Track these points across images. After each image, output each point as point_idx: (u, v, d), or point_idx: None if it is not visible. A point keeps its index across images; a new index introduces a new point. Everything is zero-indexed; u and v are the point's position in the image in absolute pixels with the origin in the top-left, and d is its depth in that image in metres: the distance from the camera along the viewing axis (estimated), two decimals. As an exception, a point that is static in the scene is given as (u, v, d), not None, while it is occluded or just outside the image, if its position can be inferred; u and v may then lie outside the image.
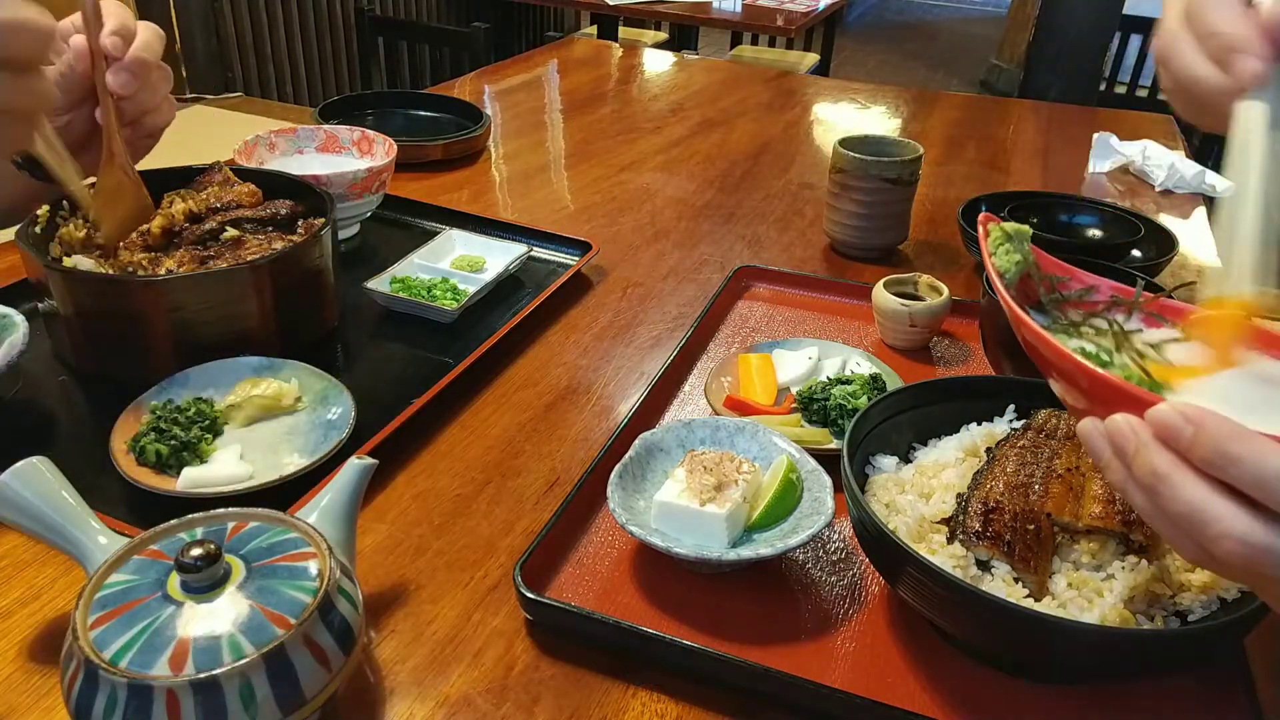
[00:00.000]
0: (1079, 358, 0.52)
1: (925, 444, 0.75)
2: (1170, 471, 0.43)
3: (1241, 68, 0.53)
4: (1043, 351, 0.54)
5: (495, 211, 1.34)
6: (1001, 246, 0.64)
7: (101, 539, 0.58)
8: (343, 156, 1.24)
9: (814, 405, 0.85)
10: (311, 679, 0.51)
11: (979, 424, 0.74)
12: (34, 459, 0.59)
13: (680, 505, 0.68)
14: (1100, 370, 0.50)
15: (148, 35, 0.86)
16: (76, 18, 0.83)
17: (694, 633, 0.65)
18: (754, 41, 4.74)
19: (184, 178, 1.01)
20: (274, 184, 1.02)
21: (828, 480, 0.71)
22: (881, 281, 1.01)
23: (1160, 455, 0.44)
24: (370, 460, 0.64)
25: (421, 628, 0.65)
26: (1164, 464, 0.44)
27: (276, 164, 1.19)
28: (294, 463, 0.76)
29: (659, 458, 0.77)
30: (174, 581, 0.52)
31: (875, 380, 0.87)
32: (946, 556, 0.62)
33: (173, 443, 0.75)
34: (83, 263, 0.87)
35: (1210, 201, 1.51)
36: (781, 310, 1.09)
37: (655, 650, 0.62)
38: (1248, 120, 0.53)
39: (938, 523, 0.65)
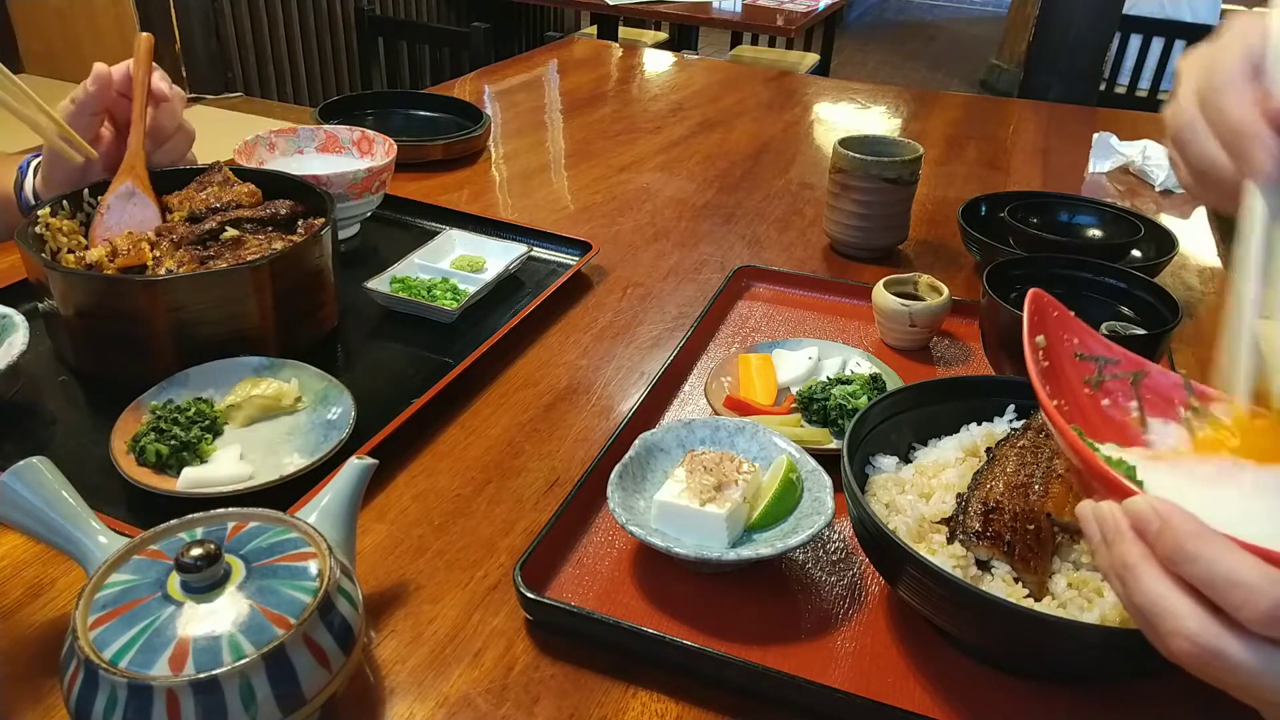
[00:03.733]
0: (1076, 436, 0.52)
1: (925, 444, 0.75)
2: (1137, 563, 0.44)
3: (1250, 159, 0.53)
4: (1051, 425, 0.54)
5: (495, 211, 1.34)
6: None
7: (101, 539, 0.58)
8: (343, 156, 1.24)
9: (814, 405, 0.85)
10: (311, 679, 0.51)
11: (979, 424, 0.74)
12: (34, 459, 0.59)
13: (680, 505, 0.68)
14: (1091, 452, 0.51)
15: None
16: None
17: (694, 633, 0.65)
18: (754, 41, 4.74)
19: (183, 178, 1.01)
20: (274, 184, 1.02)
21: (828, 480, 0.71)
22: (881, 281, 1.01)
23: (1132, 547, 0.45)
24: (370, 460, 0.64)
25: (421, 628, 0.65)
26: (1133, 555, 0.45)
27: (276, 164, 1.19)
28: (294, 463, 0.76)
29: (659, 458, 0.77)
30: (174, 581, 0.52)
31: (875, 380, 0.87)
32: (946, 556, 0.62)
33: (173, 443, 0.75)
34: (91, 254, 0.88)
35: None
36: (781, 310, 1.09)
37: (655, 650, 0.62)
38: (1250, 214, 0.54)
39: (938, 523, 0.65)
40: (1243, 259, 0.54)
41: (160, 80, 0.99)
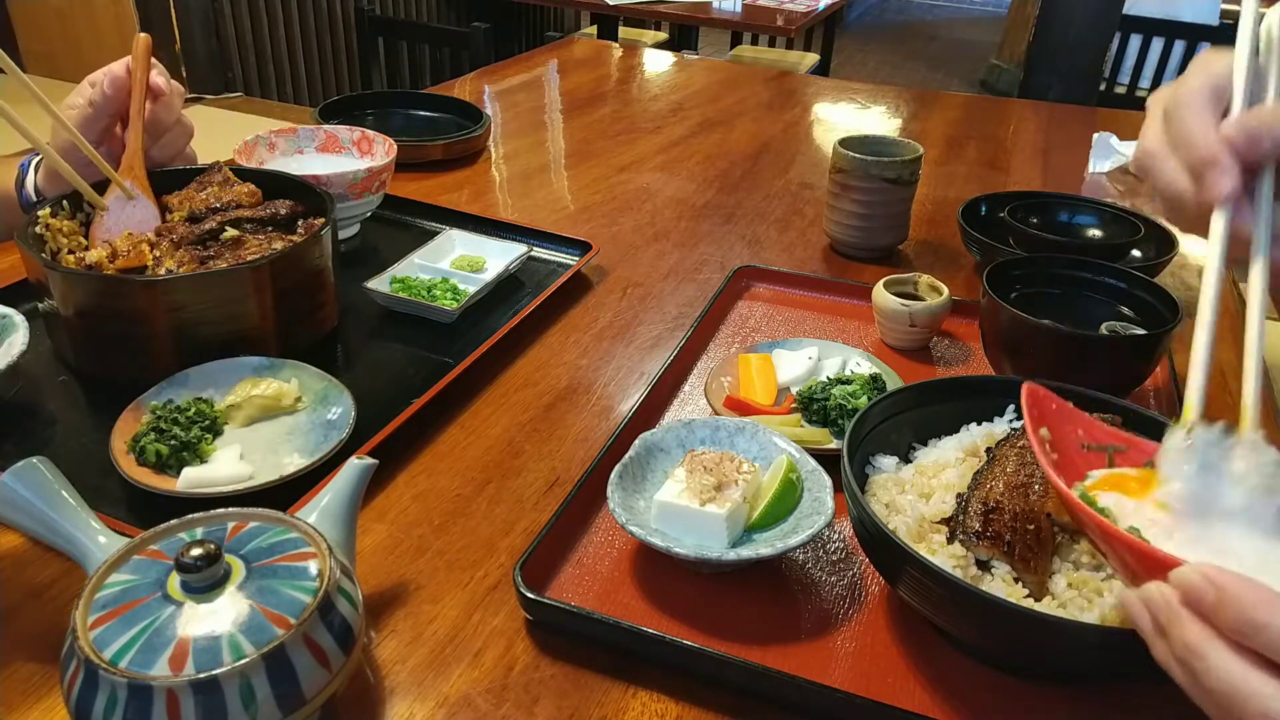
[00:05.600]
0: (1095, 512, 0.51)
1: (925, 444, 0.75)
2: (1203, 645, 0.42)
3: (1210, 185, 0.53)
4: (1076, 513, 0.53)
5: (495, 211, 1.34)
6: None
7: (101, 539, 0.58)
8: (343, 156, 1.24)
9: (814, 405, 0.85)
10: (311, 679, 0.51)
11: (979, 424, 0.74)
12: (34, 459, 0.59)
13: (680, 505, 0.68)
14: (1126, 533, 0.49)
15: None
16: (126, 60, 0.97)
17: (694, 633, 0.65)
18: (754, 41, 4.74)
19: (183, 178, 1.01)
20: (274, 184, 1.02)
21: (828, 480, 0.71)
22: (881, 281, 1.01)
23: (1192, 627, 0.42)
24: (370, 460, 0.64)
25: (421, 628, 0.65)
26: (1197, 637, 0.42)
27: (276, 164, 1.19)
28: (294, 463, 0.76)
29: (659, 458, 0.77)
30: (174, 581, 0.52)
31: (875, 380, 0.87)
32: (946, 556, 0.62)
33: (173, 443, 0.75)
34: (91, 255, 0.88)
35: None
36: (781, 310, 1.09)
37: (655, 650, 0.62)
38: (1213, 238, 0.55)
39: (938, 523, 0.65)
40: (1206, 282, 0.55)
41: (158, 76, 0.98)
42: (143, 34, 0.99)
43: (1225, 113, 0.56)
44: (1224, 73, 0.57)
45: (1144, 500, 0.54)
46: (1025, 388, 0.63)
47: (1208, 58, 0.58)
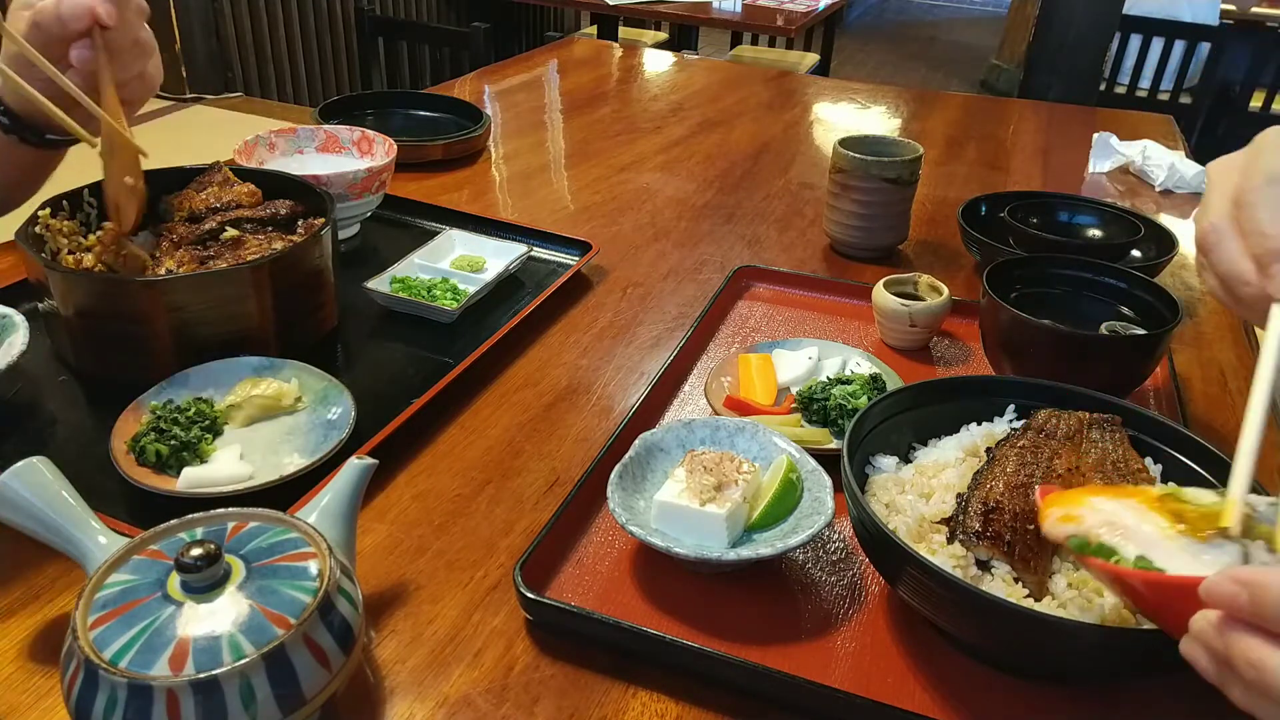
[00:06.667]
0: (1119, 565, 0.50)
1: (925, 444, 0.75)
2: (1260, 651, 0.40)
3: (1276, 277, 0.52)
4: (1095, 572, 0.52)
5: (495, 211, 1.34)
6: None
7: (101, 539, 0.58)
8: (343, 156, 1.24)
9: (814, 405, 0.85)
10: (311, 679, 0.51)
11: (979, 424, 0.74)
12: (34, 459, 0.59)
13: (680, 505, 0.68)
14: (1149, 572, 0.48)
15: None
16: None
17: (694, 633, 0.65)
18: (754, 41, 4.74)
19: (183, 178, 1.01)
20: (274, 184, 1.02)
21: (828, 480, 0.71)
22: (881, 281, 1.01)
23: (1243, 639, 0.41)
24: (370, 460, 0.64)
25: (421, 628, 0.65)
26: (1253, 648, 0.40)
27: (276, 164, 1.19)
28: (294, 463, 0.76)
29: (659, 458, 0.77)
30: (174, 581, 0.52)
31: (875, 380, 0.87)
32: (946, 556, 0.62)
33: (173, 443, 0.75)
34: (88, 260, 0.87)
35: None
36: (781, 310, 1.09)
37: (655, 650, 0.62)
38: (1272, 332, 0.53)
39: (938, 523, 0.65)
40: (1260, 376, 0.54)
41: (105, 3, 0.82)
42: None
43: None
44: None
45: (1149, 509, 0.52)
46: (1040, 489, 0.61)
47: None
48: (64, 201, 0.93)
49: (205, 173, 1.02)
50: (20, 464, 0.58)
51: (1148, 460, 0.70)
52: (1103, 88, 3.89)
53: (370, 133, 1.24)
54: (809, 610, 0.67)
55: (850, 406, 0.83)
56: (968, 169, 1.61)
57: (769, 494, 0.71)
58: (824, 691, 0.58)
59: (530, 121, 1.77)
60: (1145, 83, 3.84)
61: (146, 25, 0.89)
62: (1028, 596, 0.60)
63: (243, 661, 0.48)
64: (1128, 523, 0.52)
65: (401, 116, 1.66)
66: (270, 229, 0.97)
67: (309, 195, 1.01)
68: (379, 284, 1.02)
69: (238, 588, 0.52)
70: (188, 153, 1.11)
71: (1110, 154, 1.63)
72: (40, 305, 0.88)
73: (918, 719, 0.57)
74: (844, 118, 1.91)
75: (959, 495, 0.65)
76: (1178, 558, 0.49)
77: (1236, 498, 0.50)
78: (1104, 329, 0.92)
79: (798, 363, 0.93)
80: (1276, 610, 0.40)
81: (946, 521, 0.65)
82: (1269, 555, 0.48)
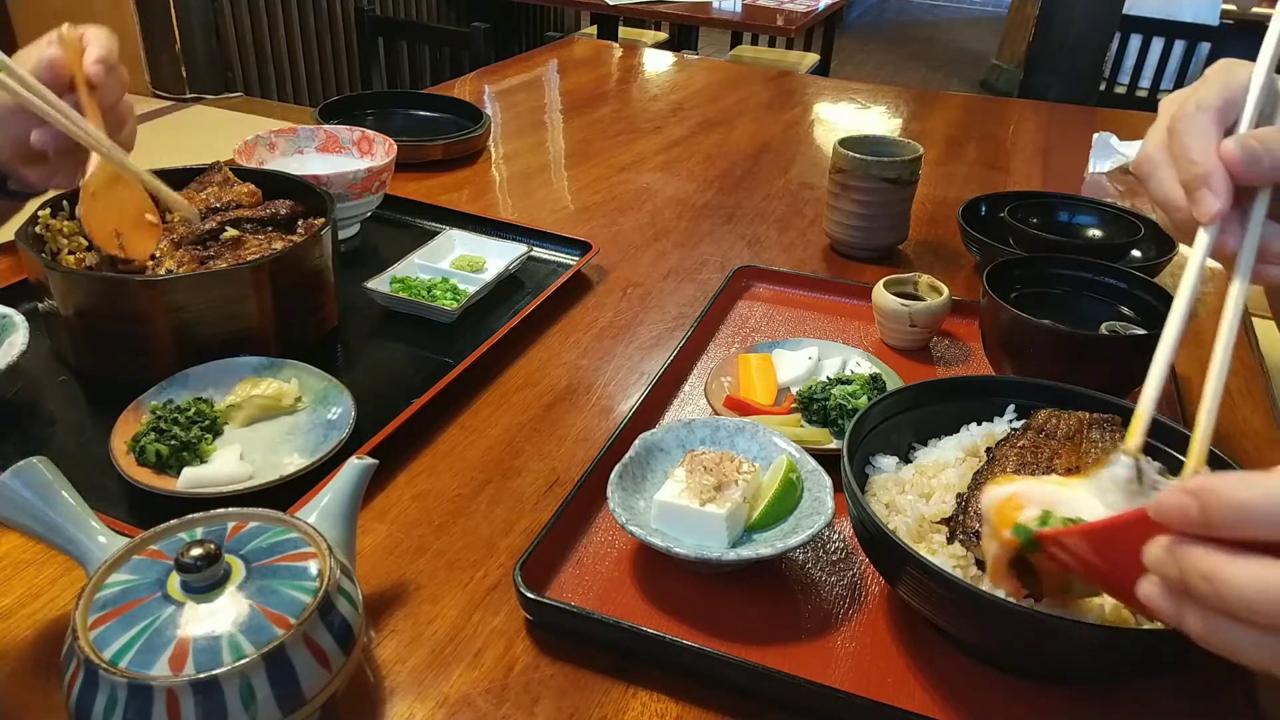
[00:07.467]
0: (1065, 526, 0.49)
1: (925, 444, 0.75)
2: (1210, 563, 0.38)
3: (1199, 202, 0.53)
4: (1047, 542, 0.51)
5: (495, 211, 1.34)
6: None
7: (101, 539, 0.58)
8: (343, 156, 1.24)
9: (814, 405, 0.85)
10: (311, 679, 0.51)
11: (979, 424, 0.74)
12: (34, 459, 0.59)
13: (680, 505, 0.68)
14: (1084, 525, 0.47)
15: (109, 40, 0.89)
16: (51, 34, 0.86)
17: (694, 633, 0.65)
18: (754, 41, 4.74)
19: (183, 178, 1.01)
20: (274, 184, 1.02)
21: (828, 480, 0.71)
22: (881, 281, 1.01)
23: (1193, 554, 0.38)
24: (370, 460, 0.64)
25: (421, 628, 0.65)
26: (1203, 560, 0.38)
27: (276, 164, 1.19)
28: (294, 463, 0.76)
29: (659, 458, 0.77)
30: (174, 581, 0.52)
31: (875, 380, 0.87)
32: (946, 556, 0.62)
33: (173, 443, 0.75)
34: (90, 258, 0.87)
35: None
36: (781, 310, 1.09)
37: (655, 650, 0.62)
38: (1193, 257, 0.54)
39: (938, 523, 0.65)
40: (1179, 298, 0.55)
41: (95, 64, 0.86)
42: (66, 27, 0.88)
43: (1234, 128, 0.55)
44: (1240, 86, 0.55)
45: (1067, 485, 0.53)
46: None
47: (1228, 67, 0.57)
48: (64, 201, 0.93)
49: (205, 173, 1.02)
50: (20, 464, 0.58)
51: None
52: (1103, 88, 3.89)
53: (370, 133, 1.24)
54: (809, 610, 0.67)
55: (850, 406, 0.83)
56: (968, 169, 1.61)
57: (769, 494, 0.71)
58: (824, 691, 0.58)
59: (530, 121, 1.77)
60: (1145, 83, 3.84)
61: (126, 95, 0.91)
62: (1027, 597, 0.60)
63: (243, 661, 0.48)
64: (1034, 492, 0.53)
65: (401, 116, 1.66)
66: (270, 229, 0.97)
67: (309, 195, 1.01)
68: (379, 284, 1.02)
69: (238, 588, 0.52)
70: (188, 153, 1.11)
71: (1110, 154, 1.63)
72: (40, 305, 0.88)
73: (918, 719, 0.57)
74: (844, 118, 1.91)
75: (959, 495, 0.65)
76: (1086, 504, 0.50)
77: (1144, 411, 0.51)
78: (1104, 329, 0.92)
79: (798, 363, 0.93)
80: (1227, 515, 0.37)
81: (946, 521, 0.65)
82: (1160, 468, 0.49)
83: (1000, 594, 0.58)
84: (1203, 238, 0.54)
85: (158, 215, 0.91)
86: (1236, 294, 0.53)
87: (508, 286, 1.09)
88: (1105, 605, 0.58)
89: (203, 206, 0.97)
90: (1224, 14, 4.06)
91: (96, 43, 0.87)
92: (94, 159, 0.86)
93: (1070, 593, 0.56)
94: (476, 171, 1.49)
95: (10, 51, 0.83)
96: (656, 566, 0.70)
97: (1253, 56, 0.57)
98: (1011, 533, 0.52)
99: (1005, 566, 0.55)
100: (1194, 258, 0.54)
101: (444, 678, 0.61)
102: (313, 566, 0.54)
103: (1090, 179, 1.60)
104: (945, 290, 1.00)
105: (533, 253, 1.12)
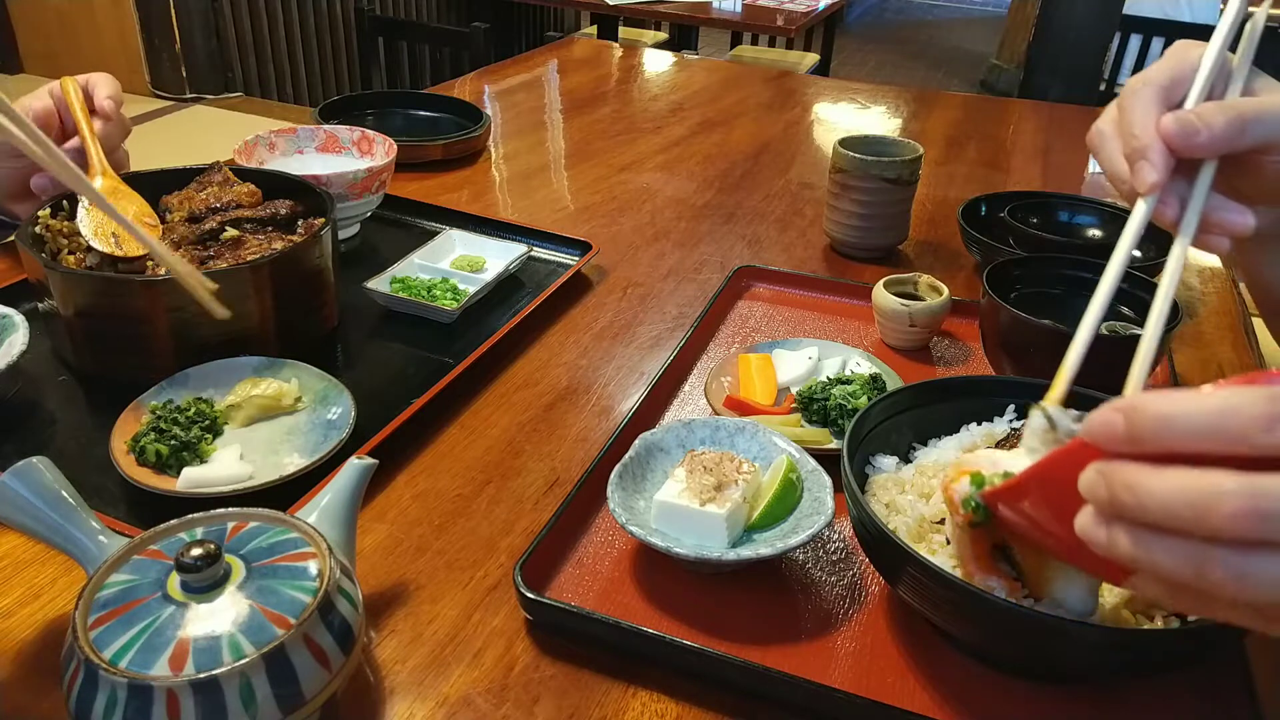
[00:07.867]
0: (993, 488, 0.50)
1: (925, 444, 0.75)
2: (1140, 478, 0.37)
3: (1137, 174, 0.56)
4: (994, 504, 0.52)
5: (495, 211, 1.34)
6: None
7: (101, 539, 0.58)
8: (343, 156, 1.24)
9: (814, 405, 0.85)
10: (311, 679, 0.51)
11: (979, 424, 0.74)
12: (34, 459, 0.59)
13: (680, 505, 0.68)
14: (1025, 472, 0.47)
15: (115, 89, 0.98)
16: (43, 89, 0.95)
17: (694, 633, 0.65)
18: (754, 41, 4.74)
19: (183, 178, 1.01)
20: (274, 184, 1.02)
21: (828, 480, 0.71)
22: (881, 281, 1.01)
23: (1124, 469, 0.38)
24: (370, 460, 0.64)
25: (421, 628, 0.65)
26: (1132, 474, 0.38)
27: (276, 164, 1.19)
28: (294, 463, 0.76)
29: (659, 458, 0.77)
30: (174, 581, 0.52)
31: (875, 380, 0.87)
32: (946, 556, 0.62)
33: (173, 443, 0.75)
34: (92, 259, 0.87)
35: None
36: (781, 310, 1.09)
37: (655, 650, 0.62)
38: (1128, 227, 0.57)
39: (938, 523, 0.65)
40: (1111, 264, 0.57)
41: (106, 99, 0.96)
42: (68, 79, 0.97)
43: (1182, 104, 0.57)
44: (1190, 64, 0.58)
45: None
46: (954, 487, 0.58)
47: (1185, 47, 0.60)
48: (64, 202, 0.93)
49: (205, 173, 1.02)
50: (20, 464, 0.58)
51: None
52: (1103, 88, 3.89)
53: (370, 133, 1.24)
54: (809, 610, 0.67)
55: (850, 406, 0.83)
56: (968, 169, 1.61)
57: (769, 494, 0.71)
58: (824, 691, 0.58)
59: (530, 121, 1.77)
60: (1145, 83, 3.83)
61: (124, 145, 0.99)
62: (1027, 596, 0.60)
63: (243, 661, 0.48)
64: (970, 460, 0.54)
65: (401, 116, 1.66)
66: (270, 229, 0.97)
67: (309, 195, 1.01)
68: (379, 284, 1.02)
69: (238, 588, 0.52)
70: (188, 153, 1.11)
71: (1110, 154, 1.63)
72: (40, 305, 0.88)
73: (918, 719, 0.57)
74: (844, 118, 1.91)
75: (959, 495, 0.65)
76: (1020, 462, 0.51)
77: (1068, 366, 0.53)
78: (1104, 329, 0.92)
79: (798, 363, 0.93)
80: (1151, 427, 0.37)
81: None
82: (1076, 415, 0.49)
83: (1000, 594, 0.58)
84: (1141, 206, 0.57)
85: (156, 218, 0.91)
86: (1177, 255, 0.56)
87: (508, 286, 1.09)
88: (1105, 605, 0.58)
89: (203, 206, 0.97)
90: (1223, 14, 4.06)
91: (106, 83, 0.95)
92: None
93: (1051, 577, 0.56)
94: (476, 171, 1.49)
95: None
96: (656, 566, 0.70)
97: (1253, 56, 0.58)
98: (961, 506, 0.54)
99: (986, 557, 0.55)
100: (1130, 225, 0.57)
101: (444, 678, 0.61)
102: (313, 566, 0.54)
103: (1090, 179, 1.60)
104: (945, 290, 1.00)
105: (533, 253, 1.12)
